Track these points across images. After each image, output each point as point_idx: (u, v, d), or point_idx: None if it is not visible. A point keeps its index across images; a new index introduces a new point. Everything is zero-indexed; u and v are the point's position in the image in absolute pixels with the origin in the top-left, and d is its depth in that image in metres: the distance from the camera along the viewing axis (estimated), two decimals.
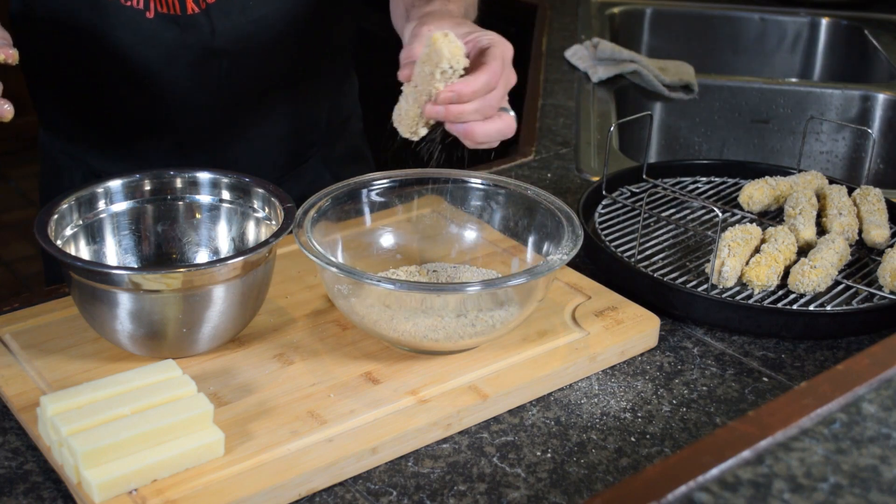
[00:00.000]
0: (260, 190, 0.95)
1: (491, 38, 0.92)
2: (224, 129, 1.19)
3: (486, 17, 2.41)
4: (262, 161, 1.23)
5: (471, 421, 0.84)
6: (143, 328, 0.84)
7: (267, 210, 0.95)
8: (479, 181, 1.02)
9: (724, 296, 0.99)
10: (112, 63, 1.12)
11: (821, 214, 1.14)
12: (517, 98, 1.77)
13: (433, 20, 0.93)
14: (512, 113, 0.93)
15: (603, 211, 1.16)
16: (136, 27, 1.09)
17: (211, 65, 1.13)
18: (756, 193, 1.16)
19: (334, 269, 0.84)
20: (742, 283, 1.02)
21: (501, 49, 0.91)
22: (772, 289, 1.01)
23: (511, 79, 0.93)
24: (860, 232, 1.11)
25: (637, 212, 1.16)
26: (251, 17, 1.12)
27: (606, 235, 1.11)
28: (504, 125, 0.91)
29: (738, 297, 1.00)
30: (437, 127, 0.92)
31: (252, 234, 0.97)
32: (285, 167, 1.26)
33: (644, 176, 1.23)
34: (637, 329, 0.95)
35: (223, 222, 0.98)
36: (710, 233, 1.13)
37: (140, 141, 1.19)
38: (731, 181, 1.26)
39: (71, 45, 1.13)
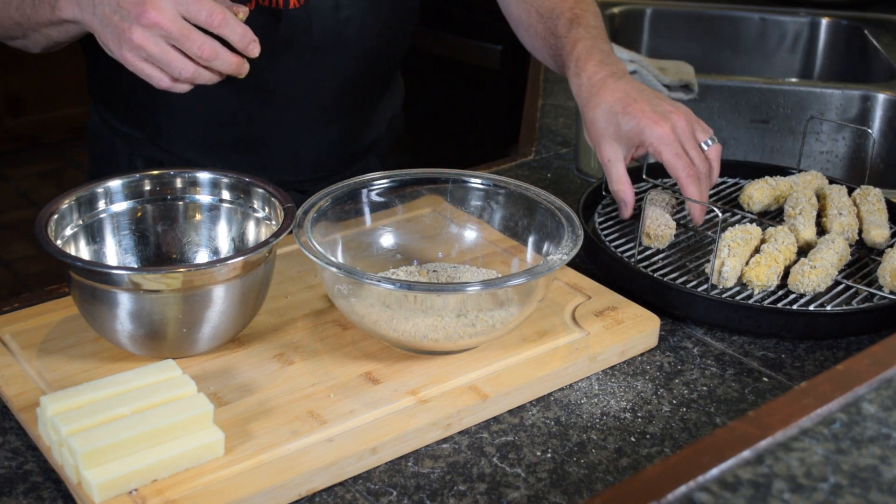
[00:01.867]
0: (260, 190, 0.95)
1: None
2: (297, 122, 1.22)
3: (487, 17, 2.42)
4: (326, 156, 1.27)
5: (471, 421, 0.84)
6: (143, 328, 0.84)
7: (267, 210, 0.95)
8: (479, 181, 1.02)
9: (724, 296, 0.99)
10: None
11: (821, 214, 1.14)
12: (517, 98, 1.77)
13: (592, 64, 1.11)
14: (712, 143, 1.08)
15: (603, 211, 1.16)
16: None
17: (299, 59, 1.16)
18: (756, 193, 1.16)
19: (334, 269, 0.84)
20: (742, 283, 1.02)
21: (657, 134, 1.05)
22: (772, 289, 1.01)
23: (700, 132, 1.08)
24: (860, 232, 1.11)
25: (637, 212, 1.16)
26: (341, 17, 1.16)
27: (606, 235, 1.11)
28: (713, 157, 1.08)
29: (738, 297, 1.00)
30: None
31: (252, 234, 0.97)
32: (344, 163, 1.30)
33: (644, 176, 1.23)
34: (637, 329, 0.95)
35: (223, 222, 0.98)
36: (710, 233, 1.13)
37: (211, 129, 1.22)
38: (731, 181, 1.26)
39: None
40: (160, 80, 0.94)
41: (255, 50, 0.95)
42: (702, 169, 1.04)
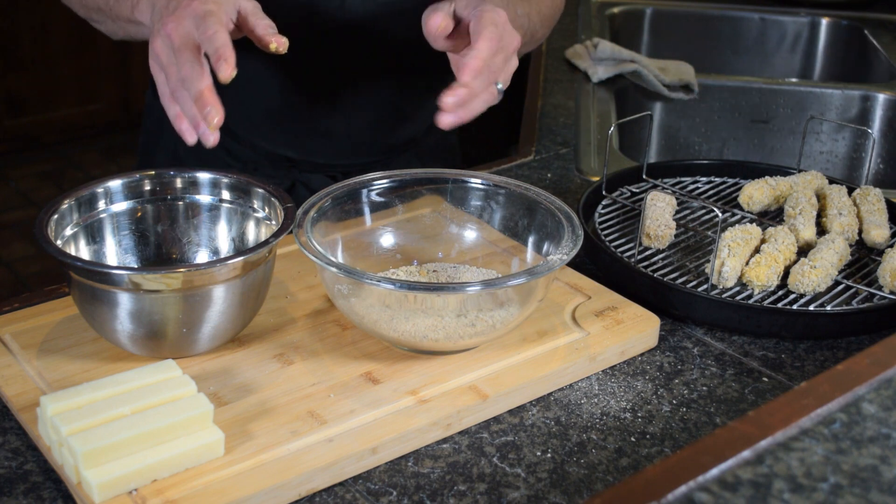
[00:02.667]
0: (260, 190, 0.95)
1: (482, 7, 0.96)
2: (324, 102, 1.21)
3: None
4: (359, 142, 1.26)
5: (471, 421, 0.84)
6: (143, 328, 0.84)
7: (267, 210, 0.95)
8: (479, 181, 1.02)
9: (724, 296, 0.99)
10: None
11: (821, 214, 1.14)
12: (517, 98, 1.77)
13: None
14: (500, 86, 0.97)
15: (603, 211, 1.16)
16: None
17: (331, 35, 1.16)
18: (756, 193, 1.16)
19: (334, 269, 0.84)
20: (742, 283, 1.02)
21: (491, 16, 0.95)
22: (772, 289, 1.01)
23: (510, 41, 0.96)
24: (860, 232, 1.11)
25: (637, 212, 1.16)
26: (380, 1, 1.16)
27: (606, 235, 1.11)
28: (490, 98, 0.96)
29: (738, 297, 1.00)
30: None
31: (252, 234, 0.97)
32: (379, 154, 1.29)
33: (644, 176, 1.23)
34: (637, 329, 0.95)
35: (223, 222, 0.98)
36: (710, 233, 1.13)
37: (248, 102, 1.21)
38: (731, 181, 1.26)
39: None
40: (162, 87, 0.93)
41: (225, 72, 0.89)
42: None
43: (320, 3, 1.15)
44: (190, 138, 0.88)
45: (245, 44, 1.15)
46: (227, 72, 0.87)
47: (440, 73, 1.32)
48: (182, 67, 0.88)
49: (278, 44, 0.93)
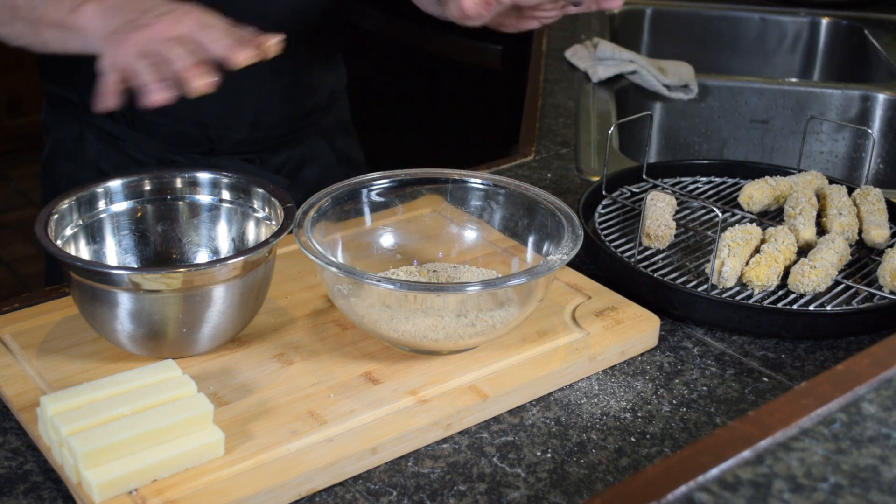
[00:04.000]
0: (260, 190, 0.95)
1: None
2: (229, 73, 1.20)
3: None
4: (266, 114, 1.26)
5: (471, 421, 0.84)
6: (143, 328, 0.84)
7: (267, 210, 0.95)
8: (479, 181, 1.02)
9: (724, 296, 0.99)
10: None
11: (821, 214, 1.14)
12: (517, 98, 1.77)
13: None
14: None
15: (603, 211, 1.16)
16: None
17: (233, 5, 1.12)
18: (756, 193, 1.16)
19: (334, 269, 0.84)
20: (742, 283, 1.02)
21: None
22: (772, 289, 1.01)
23: None
24: (860, 232, 1.11)
25: (637, 212, 1.16)
26: None
27: (606, 235, 1.11)
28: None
29: (738, 297, 1.00)
30: None
31: (252, 234, 0.97)
32: (285, 126, 1.29)
33: (644, 176, 1.23)
34: (637, 329, 0.95)
35: (223, 222, 0.98)
36: (710, 233, 1.13)
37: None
38: (731, 181, 1.26)
39: None
40: (146, 75, 0.91)
41: (267, 44, 0.89)
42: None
43: None
44: (159, 97, 0.86)
45: None
46: (267, 45, 0.86)
47: (331, 47, 1.33)
48: (177, 49, 0.86)
49: (269, 43, 0.91)
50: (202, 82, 0.85)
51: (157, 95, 0.85)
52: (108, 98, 0.88)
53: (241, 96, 1.23)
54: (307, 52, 1.28)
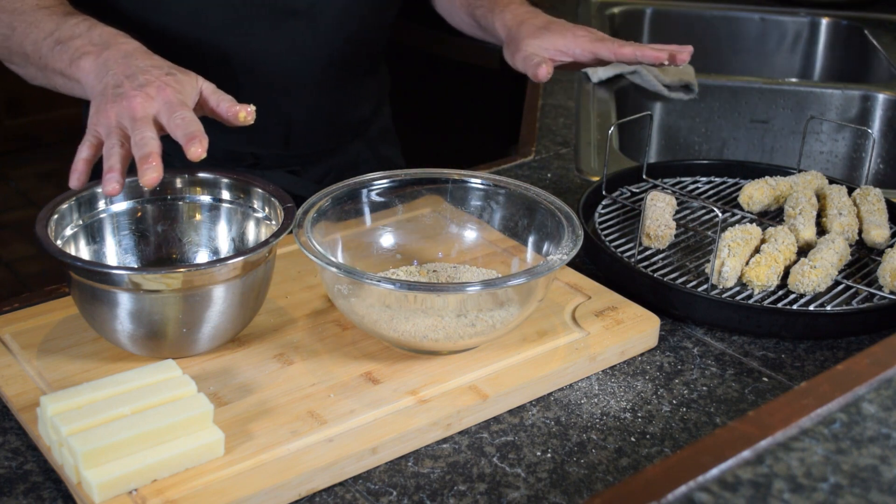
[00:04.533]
0: (260, 190, 0.95)
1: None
2: (284, 92, 1.22)
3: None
4: (314, 131, 1.28)
5: (471, 421, 0.84)
6: (143, 328, 0.84)
7: (267, 210, 0.95)
8: (479, 181, 1.02)
9: (724, 296, 0.99)
10: (186, 21, 1.14)
11: (821, 214, 1.14)
12: (517, 98, 1.77)
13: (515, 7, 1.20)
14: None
15: (603, 211, 1.16)
16: None
17: (286, 25, 1.16)
18: (756, 193, 1.16)
19: (334, 269, 0.84)
20: (742, 283, 1.02)
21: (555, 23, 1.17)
22: (772, 289, 1.01)
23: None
24: (860, 232, 1.11)
25: (637, 212, 1.16)
26: None
27: (606, 235, 1.11)
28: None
29: (738, 297, 1.00)
30: None
31: (252, 234, 0.97)
32: (332, 141, 1.31)
33: (644, 176, 1.23)
34: (637, 329, 0.95)
35: (223, 222, 0.98)
36: (710, 233, 1.13)
37: None
38: (731, 181, 1.26)
39: (145, 3, 1.14)
40: (109, 143, 0.90)
41: (196, 152, 0.86)
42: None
43: None
44: (111, 188, 0.86)
45: (194, 38, 1.14)
46: (199, 152, 0.85)
47: (377, 58, 1.34)
48: (142, 132, 0.86)
49: (247, 113, 0.92)
50: (150, 176, 0.85)
51: (109, 186, 0.86)
52: (76, 175, 0.89)
53: (287, 116, 1.24)
54: (355, 70, 1.29)
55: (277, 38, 1.18)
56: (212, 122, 1.23)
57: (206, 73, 1.19)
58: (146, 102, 0.88)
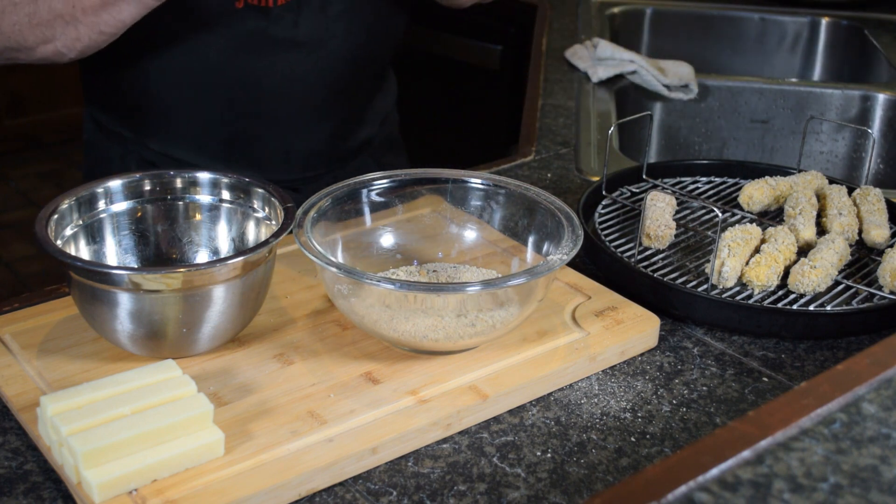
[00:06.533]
0: (260, 190, 0.95)
1: None
2: (288, 120, 1.22)
3: (487, 17, 2.42)
4: (317, 156, 1.28)
5: (471, 421, 0.84)
6: (143, 328, 0.84)
7: (267, 210, 0.95)
8: (479, 181, 1.02)
9: (724, 296, 0.99)
10: (190, 52, 1.15)
11: (821, 214, 1.14)
12: (517, 98, 1.77)
13: None
14: None
15: (603, 211, 1.16)
16: (223, 16, 1.12)
17: (288, 57, 1.17)
18: (756, 193, 1.16)
19: (334, 269, 0.84)
20: (742, 283, 1.02)
21: None
22: (772, 289, 1.01)
23: None
24: (860, 232, 1.11)
25: (637, 212, 1.16)
26: (329, 14, 1.17)
27: (606, 235, 1.11)
28: None
29: (738, 297, 1.00)
30: None
31: (252, 234, 0.97)
32: (336, 162, 1.31)
33: (644, 176, 1.23)
34: (637, 329, 0.95)
35: (223, 222, 0.98)
36: (710, 233, 1.13)
37: (201, 128, 1.22)
38: (731, 181, 1.26)
39: (150, 33, 1.14)
40: None
41: None
42: None
43: (274, 28, 1.15)
44: None
45: (197, 69, 1.15)
46: None
47: (385, 68, 1.34)
48: None
49: None
50: None
51: None
52: None
53: (290, 142, 1.25)
54: (361, 91, 1.30)
55: (279, 70, 1.18)
56: (209, 151, 1.24)
57: (205, 103, 1.20)
58: None
